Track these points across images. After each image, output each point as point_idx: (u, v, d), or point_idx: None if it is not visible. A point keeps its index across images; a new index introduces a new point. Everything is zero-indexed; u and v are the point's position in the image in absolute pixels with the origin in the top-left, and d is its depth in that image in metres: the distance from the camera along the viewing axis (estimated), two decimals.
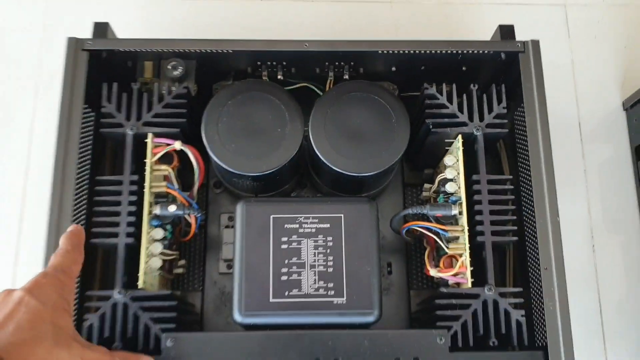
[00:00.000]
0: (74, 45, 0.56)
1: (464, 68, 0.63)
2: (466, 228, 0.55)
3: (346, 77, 0.63)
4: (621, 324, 0.66)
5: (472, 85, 0.59)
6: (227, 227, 0.64)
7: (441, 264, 0.56)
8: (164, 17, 0.74)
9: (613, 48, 0.75)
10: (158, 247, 0.54)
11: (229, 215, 0.65)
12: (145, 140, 0.55)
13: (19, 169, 0.68)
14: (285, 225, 0.54)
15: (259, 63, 0.62)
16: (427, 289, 0.64)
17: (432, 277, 0.63)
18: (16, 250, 0.66)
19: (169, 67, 0.59)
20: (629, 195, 0.70)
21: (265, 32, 0.73)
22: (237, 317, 0.51)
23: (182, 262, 0.61)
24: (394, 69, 0.63)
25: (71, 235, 0.48)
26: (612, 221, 0.70)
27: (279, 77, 0.63)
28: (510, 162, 0.62)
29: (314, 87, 0.64)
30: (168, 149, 0.55)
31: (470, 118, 0.58)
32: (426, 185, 0.63)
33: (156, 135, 0.56)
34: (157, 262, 0.54)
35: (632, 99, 0.71)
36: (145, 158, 0.55)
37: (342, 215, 0.54)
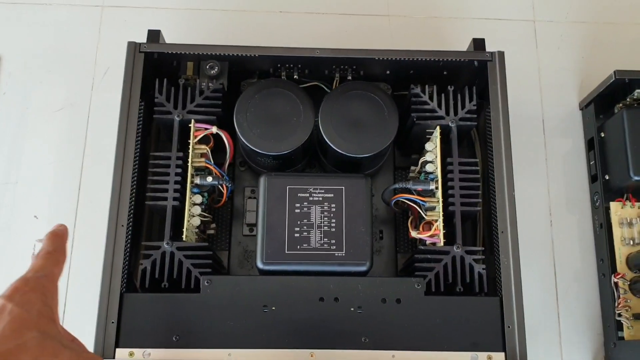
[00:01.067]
0: (133, 48, 0.71)
1: (445, 72, 0.77)
2: (440, 200, 0.69)
3: (349, 78, 0.77)
4: (573, 287, 0.80)
5: (449, 87, 0.74)
6: (250, 198, 0.78)
7: (420, 228, 0.71)
8: (200, 25, 0.88)
9: (573, 58, 0.89)
10: (197, 209, 0.68)
11: (252, 189, 0.79)
12: (189, 125, 0.70)
13: (77, 153, 0.82)
14: (298, 194, 0.68)
15: (278, 65, 0.76)
16: (411, 252, 0.79)
17: (415, 241, 0.77)
18: (75, 217, 0.80)
19: (207, 67, 0.73)
20: (583, 180, 0.84)
21: (283, 40, 0.87)
22: (260, 264, 0.65)
23: (213, 225, 0.75)
24: (388, 72, 0.77)
25: (53, 235, 0.46)
26: (568, 202, 0.84)
27: (295, 76, 0.77)
28: (482, 150, 0.77)
29: (323, 86, 0.78)
30: (206, 132, 0.70)
31: (447, 113, 0.72)
32: (412, 167, 0.77)
33: (197, 121, 0.70)
34: (196, 221, 0.68)
35: (586, 100, 0.85)
36: (188, 139, 0.70)
37: (344, 187, 0.68)
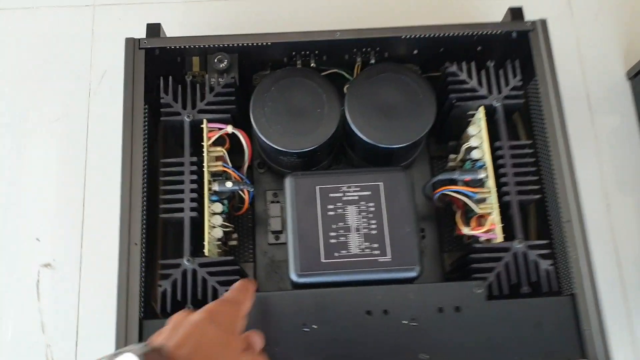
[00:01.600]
0: (132, 45, 0.63)
1: (479, 48, 0.69)
2: (494, 189, 0.61)
3: (372, 61, 0.69)
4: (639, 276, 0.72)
5: (488, 62, 0.66)
6: (272, 202, 0.70)
7: (472, 224, 0.62)
8: (203, 17, 0.80)
9: (613, 25, 0.81)
10: (218, 219, 0.60)
11: (274, 192, 0.71)
12: (201, 126, 0.62)
13: (78, 167, 0.74)
14: (330, 195, 0.60)
15: (293, 53, 0.68)
16: (458, 251, 0.70)
17: (462, 239, 0.69)
18: (81, 238, 0.72)
19: (215, 60, 0.65)
20: (637, 157, 0.76)
21: (293, 25, 0.79)
22: (294, 277, 0.57)
23: (235, 235, 0.67)
24: (415, 51, 0.69)
25: (241, 286, 0.53)
26: (623, 183, 0.76)
27: (312, 65, 0.69)
28: (526, 130, 0.69)
29: (343, 73, 0.70)
30: (221, 132, 0.62)
31: (489, 91, 0.64)
32: (451, 156, 0.69)
33: (209, 120, 0.62)
34: (218, 233, 0.60)
35: (635, 68, 0.76)
36: (200, 142, 0.62)
37: (381, 183, 0.60)
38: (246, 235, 0.70)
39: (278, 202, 0.70)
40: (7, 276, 0.71)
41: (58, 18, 0.80)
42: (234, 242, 0.66)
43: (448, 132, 0.70)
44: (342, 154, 0.72)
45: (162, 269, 0.59)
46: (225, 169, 0.62)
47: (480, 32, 0.66)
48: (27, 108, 0.77)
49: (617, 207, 0.74)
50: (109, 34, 0.80)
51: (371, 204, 0.60)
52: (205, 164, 0.61)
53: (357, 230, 0.59)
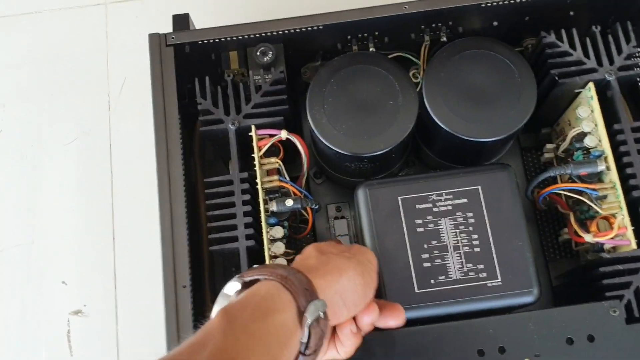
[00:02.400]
0: (157, 42, 0.52)
1: (571, 13, 0.57)
2: (618, 184, 0.49)
3: (444, 39, 0.57)
4: None
5: (593, 27, 0.53)
6: (336, 218, 0.59)
7: (592, 228, 0.50)
8: (229, 4, 0.69)
9: None
10: (280, 247, 0.49)
11: (336, 206, 0.60)
12: (249, 134, 0.50)
13: (103, 194, 0.64)
14: (417, 206, 0.48)
15: (348, 37, 0.57)
16: (563, 259, 0.58)
17: (566, 244, 0.57)
18: (114, 278, 0.61)
19: (258, 53, 0.54)
20: None
21: (333, 4, 0.67)
22: None
23: None
24: (495, 23, 0.57)
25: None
26: None
27: (370, 49, 0.57)
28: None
29: (409, 56, 0.59)
30: (274, 139, 0.51)
31: (599, 62, 0.52)
32: (548, 146, 0.57)
33: (258, 127, 0.51)
34: (282, 263, 0.49)
35: None
36: (248, 153, 0.51)
37: (479, 187, 0.48)
38: None
39: (343, 217, 0.59)
40: (32, 328, 0.60)
41: (66, 22, 0.70)
42: None
43: (541, 117, 0.57)
44: (415, 154, 0.60)
45: None
46: (282, 184, 0.51)
47: None
48: (39, 129, 0.67)
49: None
50: (125, 35, 0.69)
51: (470, 214, 0.48)
52: (258, 180, 0.49)
53: (456, 249, 0.47)
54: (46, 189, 0.64)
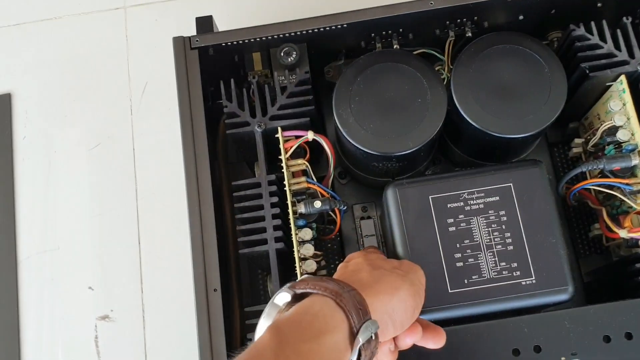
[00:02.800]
0: (182, 45, 0.52)
1: (599, 5, 0.56)
2: None
3: (469, 34, 0.56)
4: None
5: (624, 19, 0.53)
6: (362, 218, 0.58)
7: (627, 223, 0.49)
8: (249, 6, 0.69)
9: None
10: (309, 249, 0.49)
11: (362, 206, 0.59)
12: (275, 136, 0.50)
13: (128, 199, 0.64)
14: (448, 205, 0.48)
15: (372, 35, 0.56)
16: (593, 255, 0.58)
17: (597, 240, 0.56)
18: (140, 282, 0.61)
19: (282, 53, 0.54)
20: None
21: (351, 3, 0.67)
22: None
23: (324, 263, 0.55)
24: (521, 17, 0.56)
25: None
26: None
27: (394, 46, 0.57)
28: None
29: (434, 52, 0.58)
30: (301, 140, 0.50)
31: (631, 55, 0.51)
32: (577, 140, 0.56)
33: (285, 128, 0.51)
34: (311, 265, 0.48)
35: None
36: (275, 154, 0.50)
37: (511, 184, 0.48)
38: (332, 262, 0.58)
39: (370, 217, 0.58)
40: (61, 335, 0.61)
41: (86, 27, 0.70)
42: (324, 272, 0.54)
43: (569, 111, 0.56)
44: (441, 152, 0.59)
45: (249, 317, 0.48)
46: (310, 185, 0.50)
47: None
48: (62, 135, 0.67)
49: None
50: (145, 38, 0.69)
51: (502, 212, 0.47)
52: (286, 182, 0.49)
53: (489, 247, 0.47)
54: (71, 194, 0.64)
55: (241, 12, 0.69)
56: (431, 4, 0.52)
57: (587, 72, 0.51)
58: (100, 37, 0.69)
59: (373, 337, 0.35)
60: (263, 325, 0.35)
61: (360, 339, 0.34)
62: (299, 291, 0.36)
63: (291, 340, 0.32)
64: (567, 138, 0.59)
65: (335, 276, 0.41)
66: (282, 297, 0.36)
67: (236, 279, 0.54)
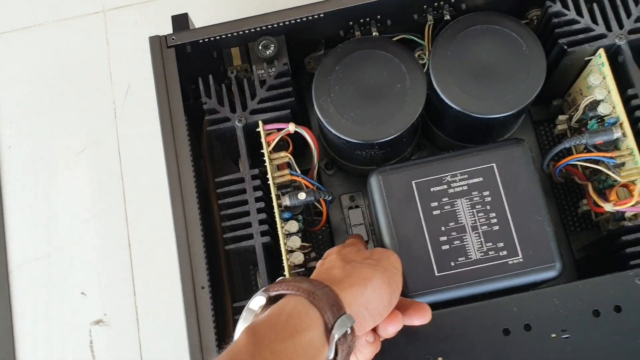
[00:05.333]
0: (158, 44, 0.52)
1: None
2: (636, 149, 0.48)
3: (447, 17, 0.56)
4: None
5: None
6: (350, 208, 0.58)
7: (611, 197, 0.49)
8: (228, 4, 0.69)
9: None
10: (296, 241, 0.49)
11: (350, 195, 0.59)
12: (257, 130, 0.50)
13: (116, 201, 0.64)
14: (432, 189, 0.48)
15: (350, 23, 0.56)
16: (583, 231, 0.57)
17: (585, 216, 0.56)
18: (132, 284, 0.61)
19: (260, 47, 0.53)
20: None
21: None
22: None
23: (313, 254, 0.55)
24: None
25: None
26: None
27: (374, 33, 0.57)
28: None
29: (413, 37, 0.58)
30: (283, 133, 0.50)
31: (608, 28, 0.51)
32: (561, 117, 0.56)
33: (266, 122, 0.50)
34: (299, 257, 0.49)
35: None
36: (257, 149, 0.50)
37: (494, 164, 0.48)
38: (323, 253, 0.58)
39: (357, 206, 0.58)
40: (56, 340, 0.61)
41: (66, 32, 0.70)
42: (314, 263, 0.54)
43: (552, 88, 0.56)
44: (425, 136, 0.59)
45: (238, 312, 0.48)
46: (293, 178, 0.50)
47: None
48: (48, 142, 0.67)
49: None
50: (126, 40, 0.69)
51: (486, 193, 0.47)
52: (269, 176, 0.49)
53: (474, 229, 0.46)
54: (60, 200, 0.65)
55: (220, 11, 0.69)
56: None
57: (566, 47, 0.50)
58: (81, 42, 0.69)
59: (349, 332, 0.35)
60: (240, 330, 0.35)
61: (336, 335, 0.34)
62: (273, 294, 0.36)
63: (267, 341, 0.32)
64: (552, 116, 0.59)
65: (312, 275, 0.42)
66: (257, 301, 0.36)
67: (227, 276, 0.54)
